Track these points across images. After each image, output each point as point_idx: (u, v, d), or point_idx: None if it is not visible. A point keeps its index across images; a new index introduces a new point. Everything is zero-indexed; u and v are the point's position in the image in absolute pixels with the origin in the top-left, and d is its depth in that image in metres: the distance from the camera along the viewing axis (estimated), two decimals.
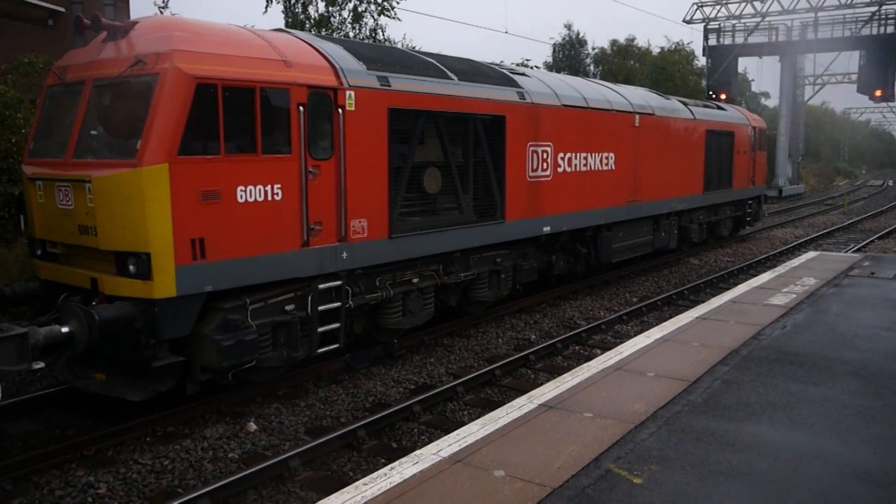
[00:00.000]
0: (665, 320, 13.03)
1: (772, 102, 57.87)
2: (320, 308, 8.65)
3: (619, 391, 6.72)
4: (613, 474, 5.03)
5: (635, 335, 12.01)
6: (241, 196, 7.53)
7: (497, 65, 12.91)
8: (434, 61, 10.56)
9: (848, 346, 8.32)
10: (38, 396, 8.43)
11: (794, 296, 11.27)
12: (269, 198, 7.79)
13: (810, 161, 58.28)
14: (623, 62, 42.44)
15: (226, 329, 7.63)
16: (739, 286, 12.41)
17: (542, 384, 8.48)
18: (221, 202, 7.35)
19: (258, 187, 7.66)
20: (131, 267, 7.08)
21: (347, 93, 8.52)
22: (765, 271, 18.06)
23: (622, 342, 11.30)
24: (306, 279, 8.47)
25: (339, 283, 8.83)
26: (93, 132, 7.48)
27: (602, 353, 8.40)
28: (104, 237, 7.10)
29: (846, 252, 20.42)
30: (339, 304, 8.90)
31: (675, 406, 6.33)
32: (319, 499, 6.51)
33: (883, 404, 6.41)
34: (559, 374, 9.82)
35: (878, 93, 35.32)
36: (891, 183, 72.80)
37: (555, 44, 44.28)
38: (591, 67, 43.85)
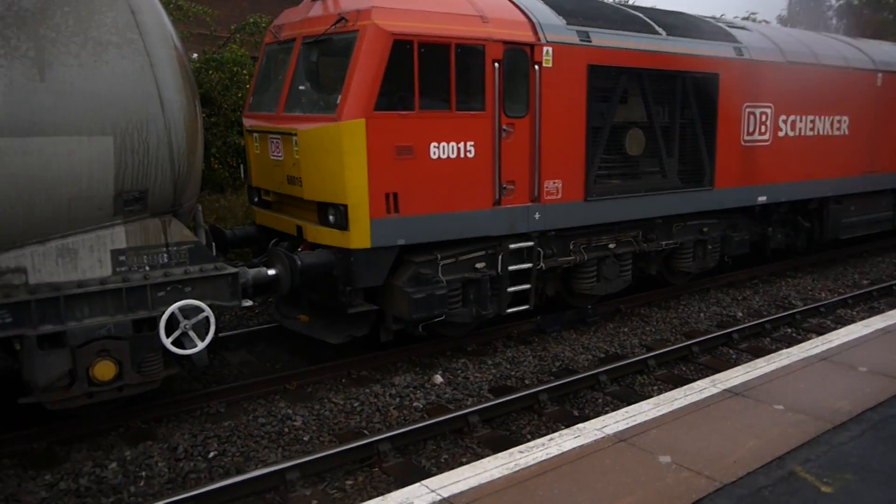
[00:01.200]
0: None
1: None
2: (510, 268, 8.52)
3: (821, 384, 5.89)
4: (798, 478, 4.39)
5: (859, 319, 10.66)
6: (434, 152, 7.54)
7: (714, 18, 11.82)
8: (641, 15, 9.86)
9: None
10: (253, 331, 9.18)
11: None
12: (462, 155, 7.75)
13: None
14: (873, 14, 37.34)
15: (417, 282, 7.76)
16: None
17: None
18: (415, 158, 7.42)
19: (451, 144, 7.64)
20: (331, 217, 7.39)
21: (545, 49, 8.20)
22: None
23: (842, 325, 10.12)
24: (497, 238, 8.36)
25: (530, 244, 8.63)
26: (300, 87, 7.86)
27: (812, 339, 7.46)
28: (308, 188, 7.46)
29: None
30: (529, 265, 8.71)
31: (888, 409, 5.40)
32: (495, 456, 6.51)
33: None
34: (763, 355, 9.02)
35: None
36: None
37: None
38: (834, 21, 39.16)
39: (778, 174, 11.57)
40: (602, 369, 8.19)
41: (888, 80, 13.43)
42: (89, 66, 5.47)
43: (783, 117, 11.41)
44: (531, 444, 4.90)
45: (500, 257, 8.42)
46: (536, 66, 8.16)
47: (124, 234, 6.12)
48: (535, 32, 8.18)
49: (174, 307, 6.34)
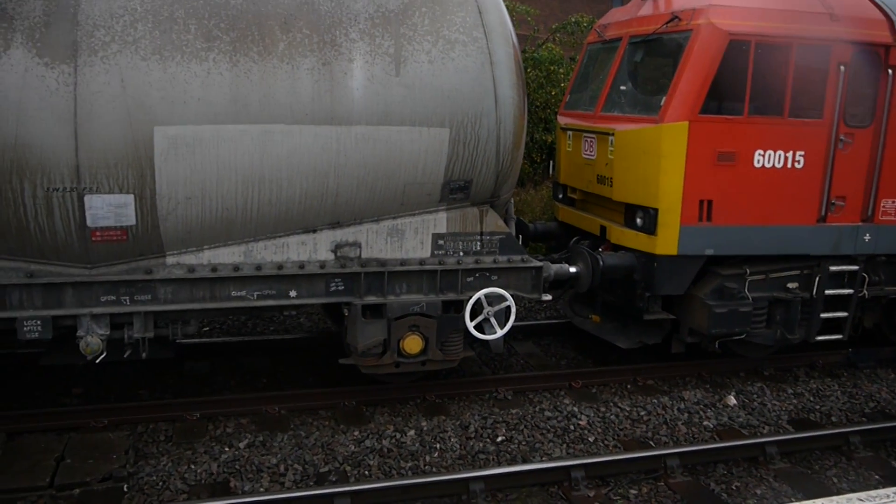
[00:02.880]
0: None
1: None
2: (827, 292, 7.74)
3: None
4: None
5: None
6: (758, 160, 7.06)
7: None
8: None
9: None
10: (540, 324, 9.37)
11: None
12: (789, 165, 7.16)
13: None
14: None
15: (721, 296, 7.37)
16: None
17: None
18: (736, 165, 7.00)
19: (778, 153, 7.09)
20: (638, 220, 7.25)
21: None
22: None
23: None
24: (815, 258, 7.64)
25: (855, 268, 7.76)
26: (622, 88, 7.77)
27: None
28: (618, 188, 7.39)
29: None
30: (850, 291, 7.84)
31: None
32: (795, 494, 5.98)
33: None
34: None
35: None
36: None
37: None
38: None
39: None
40: None
41: None
42: (437, 62, 5.88)
43: None
44: (873, 492, 4.40)
45: (816, 279, 7.68)
46: (890, 71, 7.24)
47: (445, 219, 6.52)
48: (894, 31, 7.25)
49: (481, 293, 6.65)
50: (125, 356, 6.11)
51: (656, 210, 7.04)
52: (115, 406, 6.65)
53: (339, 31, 5.71)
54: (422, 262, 6.53)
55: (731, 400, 7.60)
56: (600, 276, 7.23)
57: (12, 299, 5.63)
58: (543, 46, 13.37)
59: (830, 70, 7.06)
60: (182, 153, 5.43)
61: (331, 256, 6.30)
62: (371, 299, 6.44)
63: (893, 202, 7.64)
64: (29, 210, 5.31)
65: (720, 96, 6.89)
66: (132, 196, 5.47)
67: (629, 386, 7.92)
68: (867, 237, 7.66)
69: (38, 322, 5.69)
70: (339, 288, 6.40)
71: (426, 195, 6.31)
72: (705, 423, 7.16)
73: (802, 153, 7.15)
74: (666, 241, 7.09)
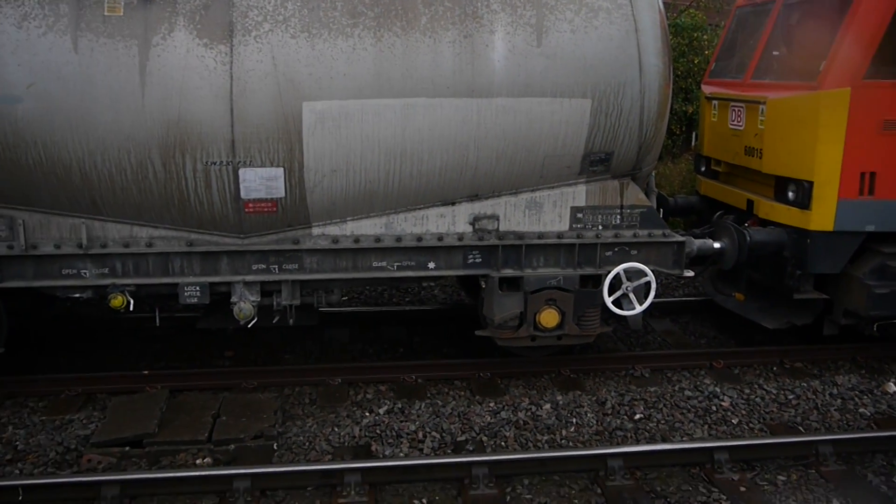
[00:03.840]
0: None
1: None
2: None
3: None
4: None
5: None
6: None
7: None
8: None
9: None
10: (679, 301, 9.15)
11: None
12: None
13: None
14: None
15: (882, 275, 6.93)
16: None
17: None
18: None
19: None
20: (790, 194, 6.91)
21: None
22: None
23: None
24: None
25: None
26: (774, 53, 7.38)
27: None
28: (768, 160, 7.05)
29: None
30: None
31: None
32: None
33: None
34: None
35: None
36: None
37: None
38: None
39: None
40: None
41: None
42: (580, 31, 5.81)
43: None
44: None
45: None
46: None
47: (585, 192, 6.48)
48: None
49: (620, 268, 6.58)
50: (274, 322, 6.51)
51: (811, 183, 6.68)
52: (264, 369, 7.11)
53: (480, 2, 5.75)
54: (560, 235, 6.53)
55: (892, 387, 7.16)
56: (747, 253, 6.97)
57: (174, 266, 6.11)
58: (685, 13, 12.92)
59: None
60: (328, 127, 5.67)
61: (469, 229, 6.41)
62: (508, 272, 6.51)
63: None
64: (189, 183, 5.72)
65: (888, 59, 6.40)
66: (282, 169, 5.77)
67: (775, 368, 7.62)
68: None
69: (197, 288, 6.15)
70: (477, 260, 6.51)
71: (566, 167, 6.28)
72: (861, 410, 6.78)
73: None
74: (821, 216, 6.73)
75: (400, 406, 6.54)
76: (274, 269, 6.21)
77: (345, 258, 6.28)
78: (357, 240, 6.22)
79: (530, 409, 6.57)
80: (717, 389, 6.99)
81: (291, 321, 6.47)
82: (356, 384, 7.01)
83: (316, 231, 6.19)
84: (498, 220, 6.44)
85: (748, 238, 6.94)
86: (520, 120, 5.93)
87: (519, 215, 6.45)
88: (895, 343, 7.83)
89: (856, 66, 6.33)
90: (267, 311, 6.44)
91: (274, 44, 5.55)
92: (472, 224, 6.40)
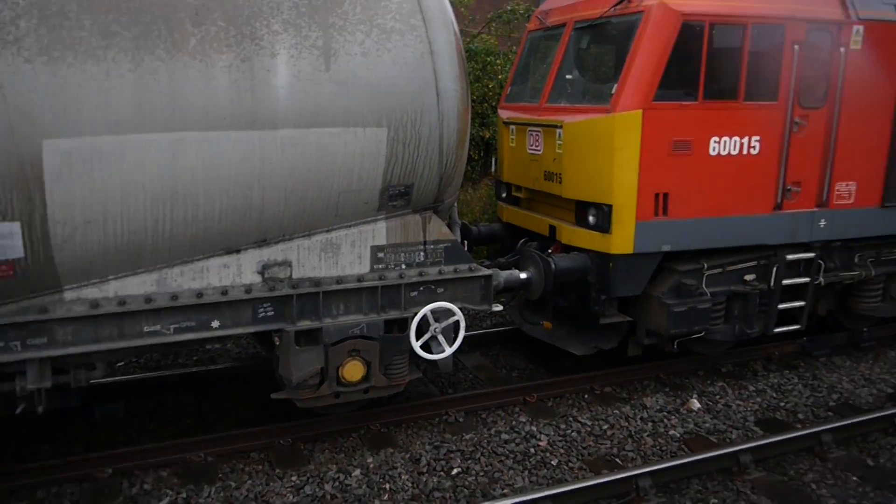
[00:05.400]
0: None
1: None
2: (784, 282, 7.86)
3: None
4: None
5: None
6: (714, 148, 7.05)
7: None
8: None
9: None
10: (488, 333, 9.17)
11: None
12: (745, 151, 7.19)
13: None
14: None
15: (679, 293, 7.34)
16: None
17: None
18: (691, 154, 6.97)
19: (734, 139, 7.10)
20: (591, 218, 7.13)
21: (854, 28, 7.37)
22: None
23: None
24: (772, 247, 7.73)
25: (811, 255, 7.90)
26: (568, 77, 7.63)
27: None
28: (568, 185, 7.24)
29: None
30: (807, 279, 7.99)
31: None
32: None
33: None
34: None
35: None
36: None
37: None
38: None
39: None
40: None
41: None
42: (372, 54, 5.53)
43: None
44: None
45: (774, 269, 7.79)
46: (842, 49, 7.37)
47: (385, 229, 6.20)
48: (845, 8, 7.38)
49: (427, 309, 6.38)
50: (18, 412, 5.52)
51: (610, 206, 6.93)
52: (8, 469, 6.01)
53: (259, 22, 5.26)
54: (360, 278, 6.20)
55: (695, 404, 7.61)
56: (553, 281, 7.08)
57: None
58: (478, 37, 13.26)
59: (785, 50, 7.11)
60: (78, 170, 4.89)
61: (258, 279, 5.88)
62: (305, 324, 6.06)
63: (847, 185, 7.81)
64: None
65: (675, 82, 6.82)
66: (18, 224, 4.89)
67: (587, 396, 7.82)
68: (823, 223, 7.81)
69: None
70: (269, 313, 5.99)
71: (363, 203, 5.97)
72: (671, 432, 7.12)
73: (758, 138, 7.20)
74: (621, 239, 7.00)
75: (185, 496, 5.80)
76: (14, 346, 5.25)
77: (108, 325, 5.47)
78: (122, 302, 5.45)
79: (338, 478, 6.14)
80: (534, 428, 7.00)
81: (41, 408, 5.51)
82: (131, 473, 6.14)
83: (69, 295, 5.32)
84: (291, 266, 5.98)
85: (553, 266, 7.06)
86: (310, 153, 5.52)
87: (314, 259, 6.03)
88: (694, 357, 8.37)
89: (645, 89, 6.66)
90: (8, 397, 5.44)
91: (1, 70, 4.68)
92: (262, 273, 5.88)
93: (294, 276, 5.99)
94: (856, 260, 8.42)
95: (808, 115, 7.38)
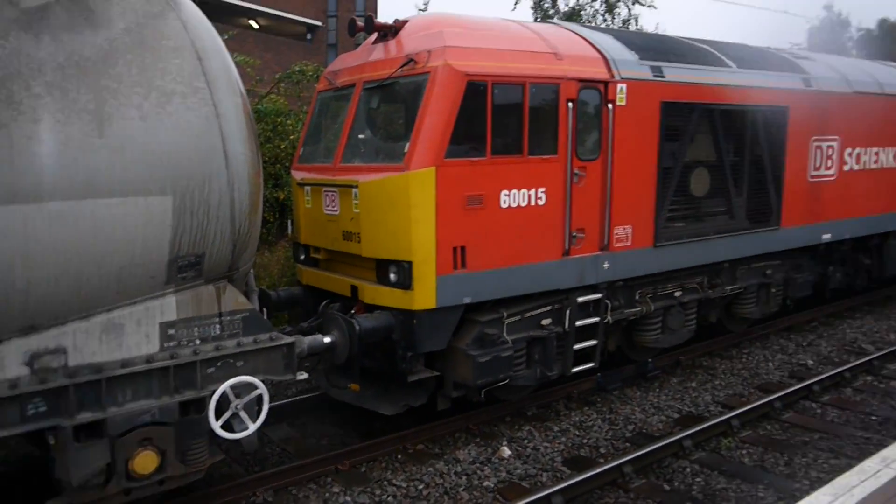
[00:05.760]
0: None
1: None
2: (577, 323, 8.17)
3: None
4: None
5: None
6: (505, 201, 7.22)
7: (776, 49, 11.69)
8: (708, 48, 9.66)
9: None
10: (294, 402, 8.70)
11: None
12: (533, 202, 7.43)
13: None
14: (893, 44, 37.90)
15: (482, 344, 7.38)
16: None
17: (884, 444, 7.38)
18: (485, 207, 7.08)
19: (522, 191, 7.31)
20: (392, 275, 7.00)
21: (619, 86, 7.93)
22: None
23: None
24: (564, 291, 8.02)
25: (598, 296, 8.28)
26: (360, 136, 7.53)
27: None
28: (367, 244, 7.08)
29: None
30: (597, 319, 8.36)
31: None
32: None
33: None
34: (849, 408, 8.73)
35: None
36: None
37: (811, 28, 40.53)
38: (854, 52, 39.65)
39: (842, 210, 11.37)
40: (684, 434, 7.78)
41: None
42: (152, 118, 5.06)
43: (849, 150, 11.23)
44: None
45: (567, 312, 8.07)
46: (610, 105, 7.89)
47: (175, 304, 5.67)
48: (609, 69, 7.92)
49: (226, 386, 5.89)
50: None
51: (410, 263, 6.85)
52: None
53: (16, 84, 4.64)
54: (149, 359, 5.59)
55: (505, 451, 7.63)
56: (358, 342, 6.84)
57: None
58: (267, 98, 12.90)
59: (560, 107, 7.48)
60: None
61: (25, 371, 5.12)
62: (86, 416, 5.34)
63: (624, 229, 8.30)
64: None
65: (465, 139, 6.93)
66: None
67: (400, 456, 7.59)
68: (606, 265, 8.23)
69: None
70: (41, 409, 5.21)
71: (149, 278, 5.42)
72: (486, 483, 7.06)
73: (544, 190, 7.47)
74: (424, 295, 6.93)
75: None
76: None
77: None
78: None
79: None
80: (348, 498, 6.67)
81: None
82: None
83: None
84: (66, 353, 5.27)
85: (357, 327, 6.82)
86: (84, 227, 4.93)
87: (94, 343, 5.37)
88: (501, 404, 8.44)
89: (437, 146, 6.69)
90: None
91: None
92: (30, 364, 5.13)
93: (70, 363, 5.28)
94: (637, 297, 8.97)
95: (585, 167, 7.80)
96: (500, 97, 7.01)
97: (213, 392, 5.81)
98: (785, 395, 8.95)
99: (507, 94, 7.07)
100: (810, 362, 10.63)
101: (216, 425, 5.88)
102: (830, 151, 10.88)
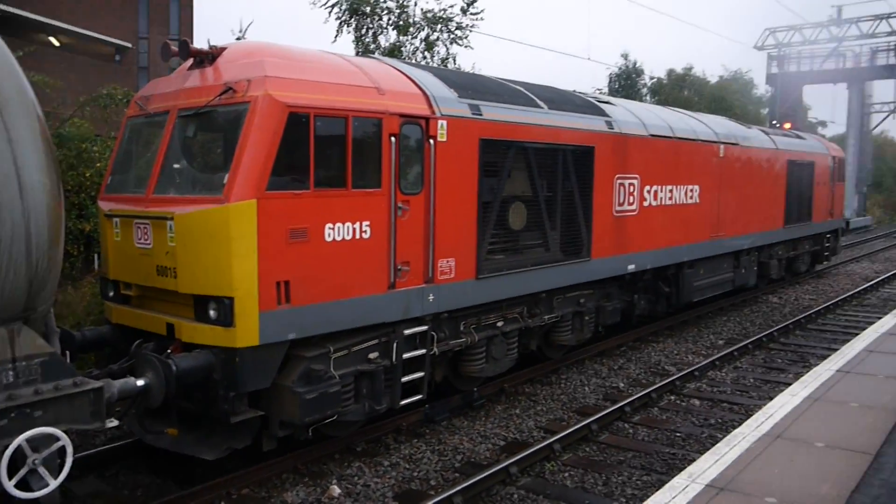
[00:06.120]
0: (759, 366, 12.31)
1: (828, 132, 56.46)
2: (405, 356, 8.11)
3: (793, 467, 5.89)
4: None
5: (730, 381, 11.30)
6: (329, 234, 7.05)
7: (581, 93, 12.40)
8: (522, 89, 10.07)
9: None
10: (103, 451, 7.93)
11: None
12: (358, 236, 7.31)
13: (872, 192, 56.66)
14: (679, 93, 41.75)
15: (308, 380, 7.12)
16: (866, 332, 11.50)
17: (688, 459, 7.86)
18: (309, 241, 6.88)
19: (346, 224, 7.18)
20: (212, 312, 6.61)
21: (440, 122, 8.05)
22: (850, 309, 17.20)
23: (718, 389, 10.64)
24: (391, 325, 7.94)
25: (424, 328, 8.28)
26: (176, 166, 7.09)
27: (749, 418, 7.44)
28: (184, 279, 6.64)
29: None
30: (423, 351, 8.34)
31: (868, 489, 5.47)
32: None
33: None
34: (657, 427, 9.23)
35: None
36: None
37: (611, 74, 43.73)
38: (648, 98, 43.20)
39: (644, 242, 12.16)
40: (510, 461, 7.86)
41: (728, 151, 14.75)
42: None
43: (648, 187, 12.06)
44: None
45: (394, 345, 7.99)
46: (431, 140, 7.97)
47: None
48: (430, 105, 8.02)
49: (21, 439, 5.27)
50: None
51: (232, 299, 6.50)
52: None
53: None
54: None
55: (335, 490, 7.36)
56: (175, 384, 6.37)
57: None
58: (70, 122, 11.90)
59: (384, 141, 7.45)
60: None
61: None
62: None
63: (448, 262, 8.38)
64: None
65: (287, 171, 6.71)
66: None
67: (223, 503, 7.11)
68: (431, 297, 8.24)
69: None
70: None
71: None
72: None
73: (368, 223, 7.38)
74: (246, 332, 6.59)
75: None
76: None
77: None
78: None
79: None
80: None
81: None
82: None
83: None
84: None
85: (174, 368, 6.36)
86: None
87: None
88: (329, 441, 8.16)
89: (258, 178, 6.43)
90: None
91: None
92: None
93: None
94: (461, 328, 9.05)
95: (409, 201, 7.81)
96: (322, 130, 6.87)
97: (6, 447, 5.17)
98: (600, 417, 9.31)
99: (330, 126, 6.95)
100: (622, 385, 11.19)
101: (9, 485, 5.24)
102: (632, 188, 11.65)
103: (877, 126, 48.52)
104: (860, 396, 7.83)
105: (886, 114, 44.89)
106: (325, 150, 6.95)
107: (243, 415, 6.87)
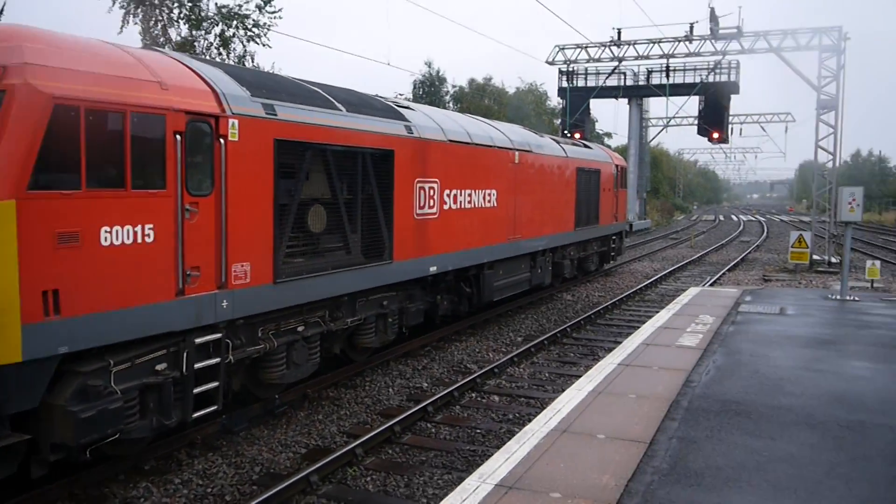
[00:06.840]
0: (554, 360, 12.88)
1: (613, 142, 61.19)
2: (196, 366, 7.57)
3: (577, 461, 6.06)
4: None
5: (528, 376, 11.71)
6: (106, 238, 6.40)
7: (381, 97, 12.33)
8: (320, 91, 9.80)
9: (779, 390, 8.24)
10: None
11: (701, 335, 11.32)
12: (139, 240, 6.71)
13: (651, 197, 62.04)
14: (480, 101, 43.23)
15: (84, 397, 6.43)
16: (644, 326, 12.33)
17: (487, 455, 7.91)
18: (81, 246, 6.20)
19: (126, 228, 6.57)
20: None
21: (230, 121, 7.59)
22: (634, 305, 18.56)
23: (516, 385, 10.98)
24: (181, 333, 7.38)
25: (218, 336, 7.79)
26: None
27: (539, 413, 7.66)
28: None
29: (711, 286, 21.39)
30: (217, 360, 7.84)
31: (643, 476, 5.73)
32: None
33: (849, 458, 6.17)
34: (459, 424, 9.34)
35: (715, 135, 37.99)
36: (721, 218, 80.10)
37: (415, 80, 44.43)
38: (451, 105, 44.33)
39: (445, 245, 12.32)
40: (310, 469, 7.56)
41: (522, 158, 15.35)
42: None
43: (447, 191, 12.23)
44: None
45: (184, 354, 7.45)
46: (222, 140, 7.50)
47: None
48: (220, 103, 7.54)
49: None
50: None
51: None
52: None
53: None
54: None
55: None
56: None
57: None
58: None
59: (168, 139, 6.89)
60: None
61: None
62: None
63: (243, 266, 7.94)
64: None
65: (55, 168, 5.99)
66: None
67: None
68: (225, 303, 7.77)
69: None
70: None
71: None
72: None
73: (152, 226, 6.81)
74: (6, 348, 5.81)
75: None
76: None
77: None
78: None
79: None
80: None
81: None
82: None
83: None
84: None
85: None
86: None
87: None
88: (112, 462, 7.45)
89: (16, 176, 5.68)
90: None
91: None
92: None
93: None
94: (259, 334, 8.64)
95: (198, 202, 7.30)
96: (95, 125, 6.22)
97: None
98: (403, 418, 9.25)
99: (104, 121, 6.30)
100: (425, 385, 11.23)
101: None
102: (432, 192, 11.75)
103: (654, 138, 53.14)
104: (637, 388, 8.33)
105: (661, 128, 49.27)
106: (100, 147, 6.30)
107: (6, 440, 6.05)
